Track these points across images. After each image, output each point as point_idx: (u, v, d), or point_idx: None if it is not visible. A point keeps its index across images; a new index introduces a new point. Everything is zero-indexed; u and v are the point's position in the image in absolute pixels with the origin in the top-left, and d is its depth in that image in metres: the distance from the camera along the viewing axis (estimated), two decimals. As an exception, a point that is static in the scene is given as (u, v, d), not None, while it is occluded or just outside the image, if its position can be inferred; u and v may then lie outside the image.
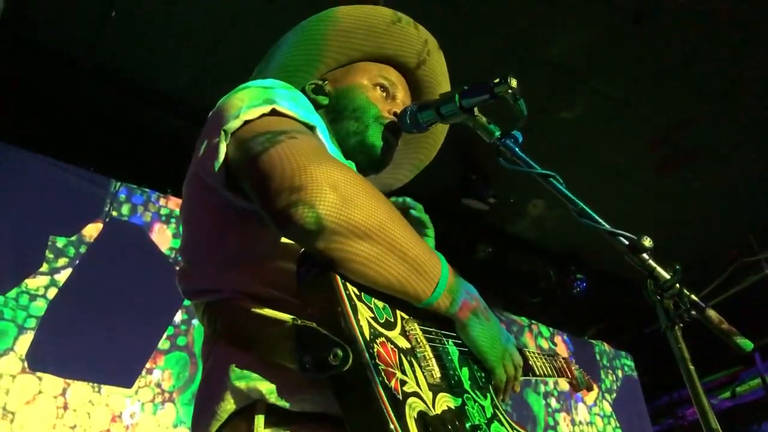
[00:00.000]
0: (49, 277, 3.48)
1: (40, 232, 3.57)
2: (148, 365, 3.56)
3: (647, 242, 1.05)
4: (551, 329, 6.04)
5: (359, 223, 0.95)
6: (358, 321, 0.92)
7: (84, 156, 3.81)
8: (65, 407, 3.21)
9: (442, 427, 0.92)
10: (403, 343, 1.00)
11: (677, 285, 1.02)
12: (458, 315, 1.12)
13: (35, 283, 3.43)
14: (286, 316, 0.98)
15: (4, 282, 3.35)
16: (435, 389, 0.98)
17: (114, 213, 3.87)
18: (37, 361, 3.24)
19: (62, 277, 3.52)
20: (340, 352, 0.88)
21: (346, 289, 0.95)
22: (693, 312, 1.00)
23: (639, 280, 1.06)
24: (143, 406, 3.44)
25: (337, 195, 0.94)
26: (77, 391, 3.28)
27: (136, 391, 3.46)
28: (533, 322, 5.92)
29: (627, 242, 1.07)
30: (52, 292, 3.45)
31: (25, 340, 3.27)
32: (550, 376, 1.60)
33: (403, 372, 0.94)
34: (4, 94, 3.56)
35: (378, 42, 1.56)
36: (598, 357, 6.27)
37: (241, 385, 1.00)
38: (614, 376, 6.27)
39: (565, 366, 1.73)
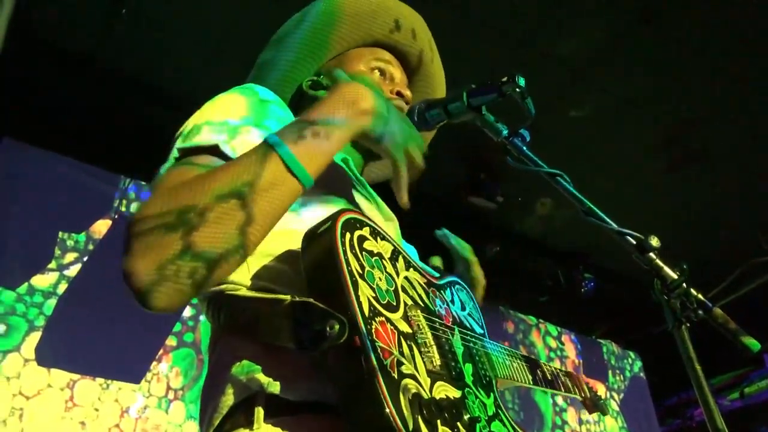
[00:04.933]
0: (57, 273, 3.50)
1: (49, 228, 3.60)
2: (155, 361, 3.58)
3: (654, 242, 1.05)
4: (559, 328, 6.04)
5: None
6: (357, 297, 0.91)
7: (93, 153, 3.83)
8: (73, 402, 3.23)
9: (438, 411, 0.91)
10: (405, 327, 1.00)
11: (684, 285, 1.01)
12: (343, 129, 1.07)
13: (46, 280, 3.45)
14: (285, 296, 0.97)
15: (14, 278, 3.38)
16: (434, 376, 0.98)
17: (123, 209, 3.90)
18: (46, 356, 3.27)
19: (71, 273, 3.54)
20: (336, 325, 0.87)
21: (348, 265, 0.94)
22: (700, 312, 1.00)
23: (647, 279, 1.06)
24: (151, 401, 3.46)
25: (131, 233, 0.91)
26: (85, 387, 3.30)
27: (145, 387, 3.48)
28: (541, 321, 5.92)
29: (634, 242, 1.06)
30: (61, 288, 3.48)
31: (35, 336, 3.30)
32: (563, 389, 1.59)
33: (401, 353, 0.93)
34: (14, 92, 3.58)
35: (376, 34, 1.58)
36: (605, 357, 6.26)
37: (241, 376, 1.01)
38: (622, 375, 6.26)
39: (580, 384, 1.73)
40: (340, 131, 1.06)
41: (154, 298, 0.89)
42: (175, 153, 1.07)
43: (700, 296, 1.02)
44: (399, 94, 1.48)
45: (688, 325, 1.02)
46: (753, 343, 1.01)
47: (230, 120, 1.12)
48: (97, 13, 3.47)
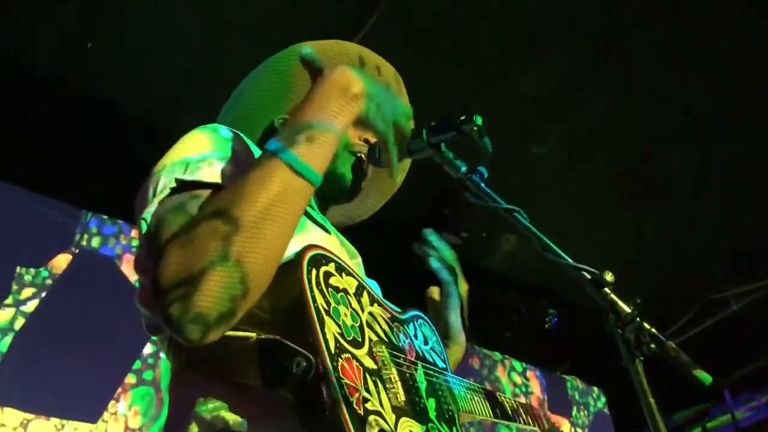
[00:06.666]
0: (14, 309, 3.41)
1: (6, 262, 3.51)
2: (113, 400, 3.49)
3: (609, 277, 1.07)
4: (524, 364, 6.05)
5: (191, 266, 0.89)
6: (324, 334, 0.92)
7: (54, 185, 3.76)
8: (27, 443, 3.12)
9: None
10: (369, 363, 1.01)
11: (638, 319, 1.04)
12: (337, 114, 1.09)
13: (3, 316, 3.36)
14: (250, 333, 0.97)
15: (-31, 313, 3.28)
16: (398, 412, 0.99)
17: (84, 244, 3.83)
18: (1, 394, 3.16)
19: (29, 308, 3.46)
20: (303, 362, 0.88)
21: (314, 301, 0.95)
22: (653, 346, 1.02)
23: (606, 314, 1.08)
24: (108, 441, 3.36)
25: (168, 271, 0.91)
26: (39, 427, 3.19)
27: (102, 427, 3.38)
28: (506, 357, 5.93)
29: (589, 276, 1.09)
30: (18, 324, 3.38)
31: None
32: (522, 423, 1.60)
33: (367, 390, 0.94)
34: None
35: None
36: (570, 393, 6.28)
37: (205, 414, 1.00)
38: (586, 411, 6.28)
39: (539, 418, 1.74)
40: (338, 121, 1.08)
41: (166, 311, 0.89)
42: (172, 183, 1.06)
43: (653, 330, 1.04)
44: (366, 141, 1.51)
45: (642, 359, 1.03)
46: (705, 377, 1.03)
47: (207, 154, 1.13)
48: (61, 39, 3.44)
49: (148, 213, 1.05)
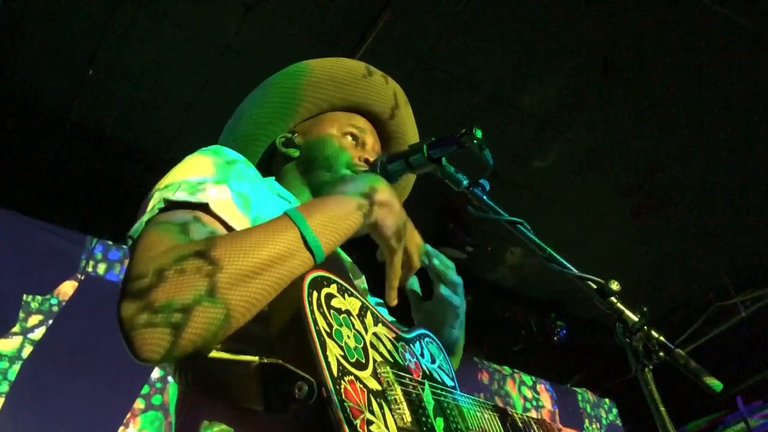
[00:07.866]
0: (22, 337, 3.41)
1: (12, 290, 3.52)
2: (122, 426, 3.47)
3: (615, 286, 1.07)
4: (534, 378, 6.01)
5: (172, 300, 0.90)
6: (326, 357, 0.92)
7: (58, 212, 3.78)
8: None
9: None
10: (374, 385, 1.00)
11: (645, 327, 1.03)
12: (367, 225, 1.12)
13: (10, 344, 3.36)
14: (252, 358, 0.97)
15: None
16: None
17: (90, 270, 3.83)
18: (8, 423, 3.15)
19: (36, 336, 3.46)
20: (305, 386, 0.87)
21: (316, 324, 0.94)
22: (662, 354, 1.01)
23: (614, 324, 1.08)
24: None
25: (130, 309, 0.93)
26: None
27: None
28: (516, 371, 5.89)
29: (595, 286, 1.08)
30: (26, 352, 3.38)
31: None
32: None
33: (372, 412, 0.93)
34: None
35: (348, 93, 1.61)
36: (581, 405, 6.23)
37: None
38: (598, 423, 6.22)
39: (553, 430, 1.72)
40: (357, 216, 1.11)
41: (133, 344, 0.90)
42: (160, 203, 1.07)
43: (661, 338, 1.04)
44: (366, 161, 1.51)
45: (651, 367, 1.03)
46: (716, 384, 1.02)
47: (206, 178, 1.13)
48: (66, 71, 3.47)
49: (135, 230, 1.06)
